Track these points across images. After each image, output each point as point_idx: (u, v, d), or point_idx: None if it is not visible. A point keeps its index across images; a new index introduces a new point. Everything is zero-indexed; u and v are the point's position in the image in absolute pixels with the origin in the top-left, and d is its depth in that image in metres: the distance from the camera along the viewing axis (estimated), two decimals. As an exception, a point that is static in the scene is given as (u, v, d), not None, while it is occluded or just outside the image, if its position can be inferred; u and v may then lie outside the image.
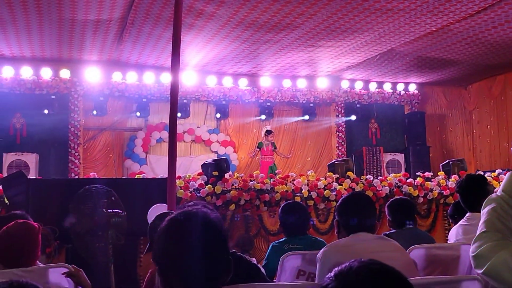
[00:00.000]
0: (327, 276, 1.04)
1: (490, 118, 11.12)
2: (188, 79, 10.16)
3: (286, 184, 6.97)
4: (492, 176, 7.50)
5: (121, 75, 9.94)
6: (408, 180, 7.52)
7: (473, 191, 3.43)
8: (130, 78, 9.99)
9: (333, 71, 10.61)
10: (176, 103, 5.27)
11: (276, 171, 8.15)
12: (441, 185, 7.49)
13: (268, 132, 9.69)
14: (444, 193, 7.44)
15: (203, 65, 9.91)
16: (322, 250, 2.60)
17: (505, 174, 7.58)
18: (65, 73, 9.62)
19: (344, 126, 11.42)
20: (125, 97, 10.19)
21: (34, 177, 8.13)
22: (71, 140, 9.72)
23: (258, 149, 9.70)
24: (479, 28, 7.86)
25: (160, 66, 9.86)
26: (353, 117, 11.34)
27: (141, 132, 10.51)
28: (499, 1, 6.84)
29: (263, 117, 11.04)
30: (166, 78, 9.81)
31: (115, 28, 7.93)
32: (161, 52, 9.07)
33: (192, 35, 8.01)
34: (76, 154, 9.74)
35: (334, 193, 7.01)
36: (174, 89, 5.31)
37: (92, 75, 9.67)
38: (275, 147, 9.84)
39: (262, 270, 2.48)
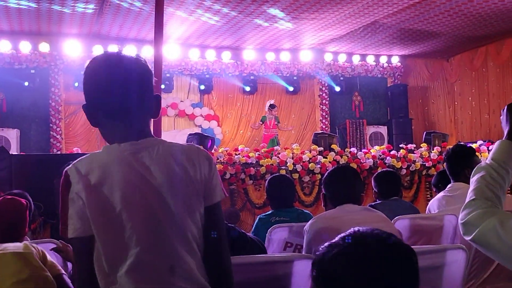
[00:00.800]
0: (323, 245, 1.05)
1: (472, 90, 11.24)
2: (171, 52, 10.02)
3: (271, 158, 7.00)
4: (474, 147, 7.62)
5: (102, 48, 9.76)
6: (392, 152, 7.61)
7: (460, 161, 3.49)
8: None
9: (316, 44, 10.56)
10: (160, 77, 5.20)
11: (277, 145, 8.23)
12: (424, 156, 7.60)
13: (272, 107, 9.83)
14: (426, 165, 7.55)
15: (185, 38, 9.78)
16: (309, 222, 2.63)
17: (486, 146, 7.72)
18: (44, 47, 9.42)
19: (328, 99, 11.44)
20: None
21: (16, 153, 8.03)
22: (52, 115, 9.60)
23: (261, 123, 9.86)
24: (462, -1, 7.87)
25: (141, 39, 9.70)
26: (337, 88, 11.34)
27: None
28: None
29: (247, 88, 11.00)
30: (148, 51, 9.64)
31: (95, 0, 7.76)
32: (142, 25, 8.92)
33: (174, 6, 7.88)
34: (58, 129, 9.62)
35: (318, 166, 7.07)
36: (157, 62, 5.22)
37: (72, 49, 9.48)
38: (278, 121, 9.95)
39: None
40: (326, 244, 1.08)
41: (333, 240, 1.05)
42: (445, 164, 3.70)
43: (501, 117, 1.61)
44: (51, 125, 9.58)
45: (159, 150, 1.44)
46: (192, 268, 1.42)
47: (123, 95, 1.45)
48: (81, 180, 1.40)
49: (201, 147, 1.51)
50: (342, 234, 1.05)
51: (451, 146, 3.80)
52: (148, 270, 1.38)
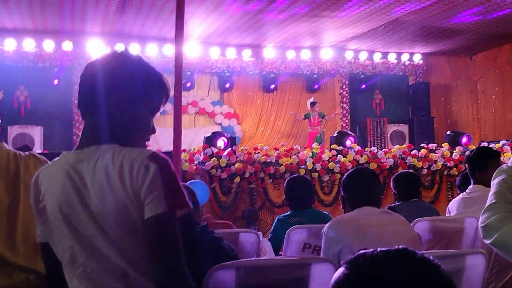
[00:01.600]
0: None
1: (495, 88, 11.05)
2: (191, 50, 10.08)
3: (290, 157, 6.99)
4: (497, 147, 7.50)
5: (124, 46, 9.86)
6: (412, 152, 7.53)
7: (482, 163, 3.47)
8: (133, 50, 9.90)
9: (337, 42, 10.50)
10: (180, 75, 5.19)
11: (322, 142, 8.32)
12: (445, 156, 7.50)
13: (313, 104, 9.99)
14: (448, 165, 7.46)
15: (206, 36, 9.83)
16: (327, 224, 2.63)
17: (509, 146, 7.59)
18: (67, 45, 9.56)
19: (348, 97, 11.38)
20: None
21: (40, 151, 8.17)
22: (75, 113, 9.73)
23: (304, 118, 10.08)
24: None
25: (163, 37, 9.77)
26: (361, 87, 11.30)
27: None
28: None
29: (270, 86, 10.99)
30: (169, 49, 9.73)
31: (117, -1, 7.85)
32: (164, 23, 8.99)
33: (195, 5, 7.92)
34: (81, 127, 9.71)
35: (338, 165, 7.03)
36: (178, 60, 5.24)
37: (95, 47, 9.60)
38: (323, 116, 10.11)
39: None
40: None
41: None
42: (466, 165, 3.68)
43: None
44: (74, 123, 9.72)
45: (98, 161, 1.37)
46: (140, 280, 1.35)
47: (86, 96, 1.45)
48: (34, 189, 1.46)
49: (151, 153, 1.36)
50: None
51: (473, 147, 3.76)
52: (97, 281, 1.36)
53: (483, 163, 3.47)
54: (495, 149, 4.88)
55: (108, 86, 1.42)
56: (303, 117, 10.12)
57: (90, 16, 8.63)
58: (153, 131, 1.52)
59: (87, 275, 1.36)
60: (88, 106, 1.45)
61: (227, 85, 10.84)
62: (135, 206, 1.32)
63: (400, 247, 0.89)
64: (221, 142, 6.99)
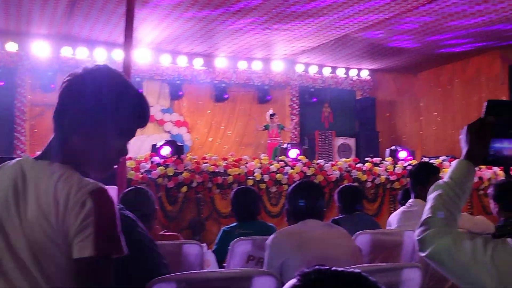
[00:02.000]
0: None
1: (437, 106, 11.51)
2: (142, 56, 9.96)
3: (239, 167, 7.01)
4: (437, 163, 7.80)
5: (71, 50, 9.63)
6: (358, 165, 7.72)
7: (422, 178, 3.60)
8: (81, 54, 9.69)
9: (288, 55, 10.65)
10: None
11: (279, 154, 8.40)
12: (388, 170, 7.73)
13: (272, 115, 10.16)
14: (390, 178, 7.69)
15: (157, 43, 9.73)
16: (271, 237, 2.65)
17: (449, 161, 7.91)
18: (12, 46, 9.22)
19: (298, 109, 11.54)
20: (75, 73, 9.87)
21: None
22: (17, 116, 9.38)
23: (264, 129, 10.22)
24: (429, 17, 8.06)
25: (112, 42, 9.60)
26: (311, 100, 11.53)
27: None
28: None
29: (219, 96, 11.02)
30: (118, 55, 9.57)
31: (66, 1, 7.65)
32: (113, 28, 8.83)
33: (147, 12, 7.84)
34: (22, 130, 9.42)
35: (286, 176, 7.11)
36: (126, 66, 5.19)
37: (41, 49, 9.31)
38: (282, 128, 10.31)
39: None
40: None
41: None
42: (408, 179, 3.81)
43: (460, 137, 1.65)
44: (15, 126, 9.36)
45: (43, 179, 1.31)
46: None
47: (56, 107, 1.41)
48: None
49: (95, 188, 1.28)
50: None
51: (415, 162, 3.91)
52: None
53: (424, 178, 3.60)
54: (435, 165, 5.08)
55: (67, 104, 1.37)
56: (263, 127, 10.27)
57: (36, 18, 8.37)
58: (122, 155, 1.46)
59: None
60: (53, 119, 1.40)
61: (178, 93, 10.77)
62: (59, 241, 1.26)
63: (356, 270, 0.91)
64: (166, 151, 6.90)
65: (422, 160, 8.13)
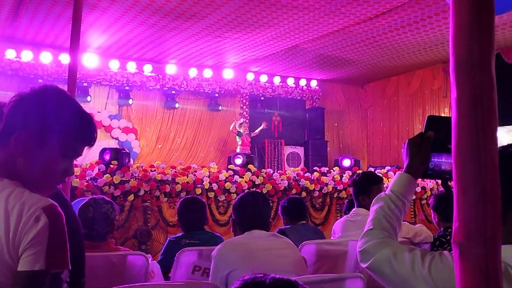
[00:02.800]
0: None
1: (383, 117, 11.84)
2: (89, 61, 9.73)
3: (187, 176, 6.95)
4: (382, 173, 8.01)
5: (15, 52, 9.30)
6: (306, 174, 7.82)
7: (366, 187, 3.68)
8: (26, 57, 9.37)
9: (239, 63, 10.69)
10: (74, 85, 5.00)
11: None
12: (336, 180, 7.87)
13: (241, 124, 10.53)
14: (338, 188, 7.83)
15: (106, 47, 9.54)
16: (217, 247, 2.64)
17: (393, 171, 8.14)
18: (-51, 47, 8.81)
19: (248, 118, 11.58)
20: (19, 76, 9.54)
21: None
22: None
23: (238, 136, 10.49)
24: (376, 31, 8.30)
25: (59, 46, 9.34)
26: (261, 108, 11.65)
27: (36, 115, 9.89)
28: (395, 7, 7.27)
29: (168, 103, 10.96)
30: (65, 58, 9.32)
31: (11, 2, 7.38)
32: (61, 31, 8.59)
33: (95, 16, 7.67)
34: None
35: (234, 185, 7.10)
36: (72, 71, 5.04)
37: (-18, 51, 8.94)
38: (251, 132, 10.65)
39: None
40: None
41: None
42: (351, 188, 3.89)
43: (402, 150, 1.69)
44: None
45: None
46: None
47: (3, 127, 1.42)
48: None
49: (48, 205, 1.32)
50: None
51: (360, 173, 3.99)
52: None
53: (366, 187, 3.69)
54: (379, 174, 5.22)
55: (13, 125, 1.39)
56: (237, 136, 10.52)
57: (-22, 18, 8.03)
58: (67, 174, 1.48)
59: None
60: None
61: (126, 99, 10.58)
62: (6, 254, 1.28)
63: (286, 278, 0.95)
64: (112, 158, 6.75)
65: (364, 170, 8.34)
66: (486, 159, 0.98)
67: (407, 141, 1.65)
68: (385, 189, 1.71)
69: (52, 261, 1.28)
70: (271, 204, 6.61)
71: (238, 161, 7.80)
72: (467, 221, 0.98)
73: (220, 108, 11.40)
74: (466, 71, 1.02)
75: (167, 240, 3.66)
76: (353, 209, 3.70)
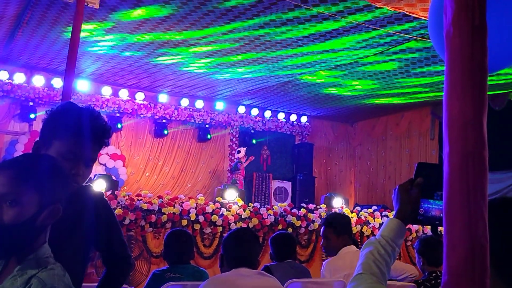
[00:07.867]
0: None
1: (371, 155, 11.94)
2: (82, 86, 9.76)
3: (174, 206, 6.90)
4: (368, 212, 8.03)
5: (8, 74, 9.31)
6: (293, 210, 7.80)
7: (341, 228, 3.74)
8: (18, 79, 9.38)
9: (231, 95, 10.78)
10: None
11: None
12: (322, 217, 7.86)
13: (238, 152, 10.71)
14: (324, 225, 7.81)
15: (99, 74, 9.59)
16: (203, 283, 2.62)
17: (380, 211, 8.17)
18: None
19: (237, 150, 11.59)
20: (10, 98, 9.53)
21: None
22: None
23: (237, 166, 10.59)
24: (368, 71, 8.46)
25: (52, 69, 9.37)
26: (251, 142, 11.68)
27: (24, 137, 9.84)
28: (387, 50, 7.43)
29: (158, 131, 10.95)
30: (58, 83, 9.34)
31: (7, 25, 7.43)
32: (55, 56, 8.64)
33: (90, 44, 7.74)
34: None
35: (221, 218, 7.07)
36: (66, 95, 5.06)
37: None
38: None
39: None
40: None
41: None
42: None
43: (392, 196, 1.72)
44: None
45: None
46: None
47: None
48: None
49: None
50: None
51: (348, 210, 4.04)
52: None
53: (342, 228, 3.78)
54: (366, 214, 5.25)
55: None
56: (237, 165, 10.66)
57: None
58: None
59: None
60: None
61: (116, 126, 10.57)
62: None
63: None
64: (100, 185, 6.71)
65: (355, 208, 8.34)
66: (476, 214, 1.01)
67: (397, 186, 1.69)
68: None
69: None
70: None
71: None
72: (456, 274, 1.00)
73: (209, 137, 11.39)
74: (459, 128, 1.06)
75: (151, 273, 3.61)
76: (340, 251, 3.75)
